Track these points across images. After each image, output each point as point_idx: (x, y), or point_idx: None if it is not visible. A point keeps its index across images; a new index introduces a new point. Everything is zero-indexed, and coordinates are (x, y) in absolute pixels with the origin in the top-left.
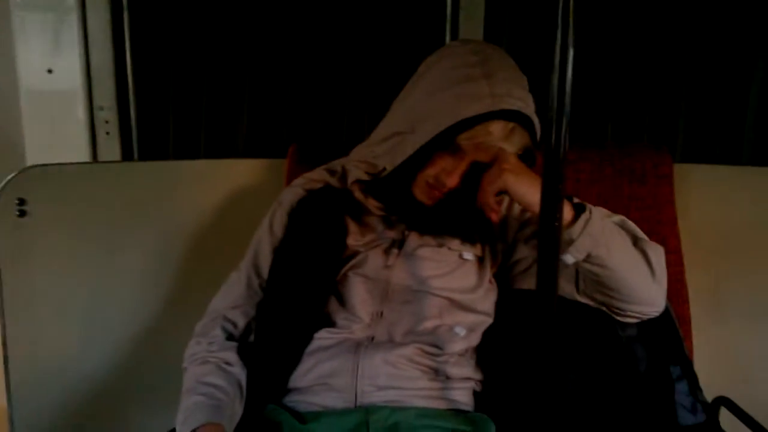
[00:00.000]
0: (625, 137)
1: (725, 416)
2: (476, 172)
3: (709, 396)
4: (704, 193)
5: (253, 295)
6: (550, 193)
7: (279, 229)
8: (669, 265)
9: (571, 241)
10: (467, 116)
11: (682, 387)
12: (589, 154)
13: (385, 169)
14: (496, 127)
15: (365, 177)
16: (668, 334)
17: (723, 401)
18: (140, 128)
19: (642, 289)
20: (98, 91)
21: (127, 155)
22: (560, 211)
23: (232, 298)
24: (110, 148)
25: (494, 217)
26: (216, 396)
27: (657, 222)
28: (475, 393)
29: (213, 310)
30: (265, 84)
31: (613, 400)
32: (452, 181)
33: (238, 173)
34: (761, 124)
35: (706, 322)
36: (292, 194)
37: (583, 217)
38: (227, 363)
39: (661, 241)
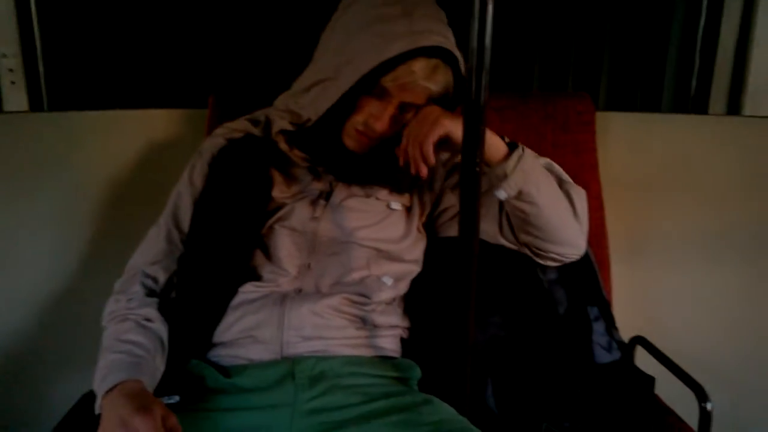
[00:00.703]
0: (550, 86)
1: (641, 354)
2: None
3: (626, 336)
4: (624, 139)
5: (174, 249)
6: (472, 138)
7: (199, 181)
8: (590, 210)
9: (504, 176)
10: (388, 57)
11: (599, 327)
12: (514, 102)
13: (310, 119)
14: (419, 66)
15: (290, 128)
16: (587, 277)
17: (639, 340)
18: (49, 77)
19: (565, 229)
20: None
21: (35, 105)
22: (481, 156)
23: (152, 253)
24: (17, 98)
25: (423, 171)
26: (135, 353)
27: (580, 168)
28: (402, 340)
29: (132, 266)
30: (183, 29)
31: (534, 341)
32: (382, 125)
33: (156, 124)
34: (680, 73)
35: (625, 265)
36: (212, 144)
37: (516, 153)
38: (147, 319)
39: (584, 187)
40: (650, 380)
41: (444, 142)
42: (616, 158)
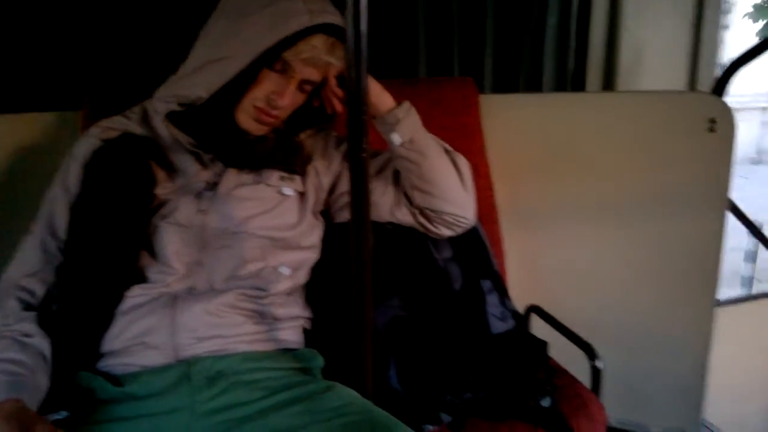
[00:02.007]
0: (436, 72)
1: (536, 323)
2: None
3: (521, 306)
4: (508, 120)
5: (51, 259)
6: (355, 124)
7: (74, 185)
8: (480, 189)
9: (397, 121)
10: (289, 33)
11: (493, 299)
12: (401, 89)
13: (201, 97)
14: (319, 41)
15: (178, 108)
16: (479, 253)
17: (533, 309)
18: None
19: (455, 189)
20: None
21: None
22: (367, 141)
23: (27, 265)
24: None
25: (338, 106)
26: (13, 371)
27: (468, 151)
28: (305, 331)
29: (6, 280)
30: (54, 29)
31: (432, 318)
32: (284, 101)
33: (27, 128)
34: (558, 55)
35: (516, 239)
36: (86, 145)
37: (406, 104)
38: (25, 335)
39: (473, 169)
40: (543, 344)
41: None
42: (503, 138)
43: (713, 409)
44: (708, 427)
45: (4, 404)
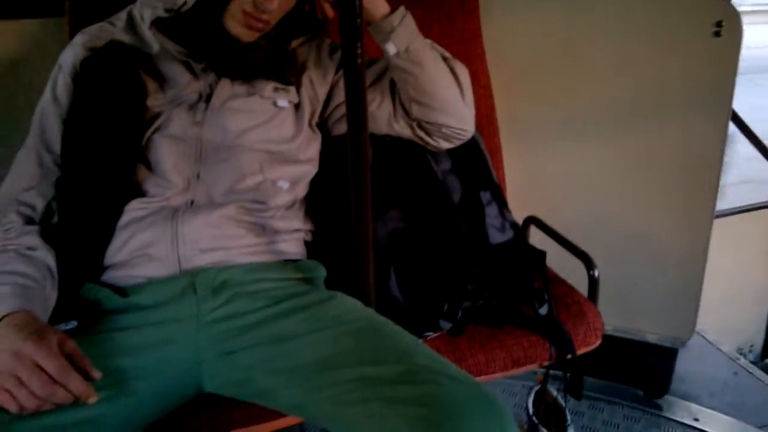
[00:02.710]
0: None
1: (535, 234)
2: None
3: (520, 217)
4: (509, 25)
5: (47, 173)
6: (348, 30)
7: (64, 97)
8: (479, 99)
9: (392, 29)
10: None
11: (492, 210)
12: None
13: (186, 2)
14: None
15: (164, 14)
16: (478, 164)
17: (532, 220)
18: None
19: (453, 100)
20: None
21: None
22: (362, 47)
23: (24, 179)
24: None
25: (329, 11)
26: (21, 283)
27: (467, 59)
28: (306, 243)
29: (4, 195)
30: None
31: (432, 230)
32: (272, 4)
33: (9, 37)
34: None
35: (516, 150)
36: (72, 55)
37: (400, 11)
38: (29, 248)
39: (472, 77)
40: (542, 254)
41: None
42: (503, 46)
43: (706, 317)
44: (701, 335)
45: (15, 315)
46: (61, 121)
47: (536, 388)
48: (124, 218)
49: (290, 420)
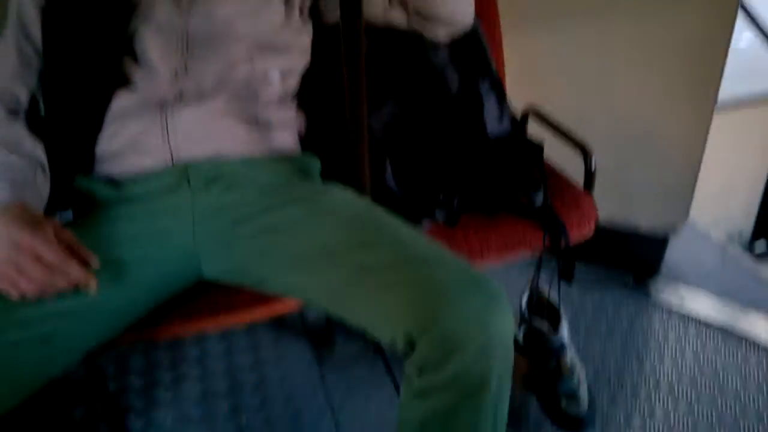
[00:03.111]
0: None
1: (534, 127)
2: None
3: (519, 111)
4: None
5: (29, 63)
6: None
7: None
8: None
9: None
10: None
11: (490, 101)
12: None
13: None
14: None
15: None
16: (477, 56)
17: (531, 111)
18: None
19: None
20: None
21: None
22: None
23: (5, 71)
24: None
25: None
26: (12, 176)
27: None
28: (300, 136)
29: None
30: None
31: (428, 121)
32: None
33: None
34: None
35: (516, 39)
36: None
37: None
38: (17, 140)
39: None
40: (539, 146)
41: None
42: None
43: (697, 206)
44: (691, 223)
45: (9, 207)
46: (39, 11)
47: (528, 281)
48: (113, 108)
49: (290, 304)
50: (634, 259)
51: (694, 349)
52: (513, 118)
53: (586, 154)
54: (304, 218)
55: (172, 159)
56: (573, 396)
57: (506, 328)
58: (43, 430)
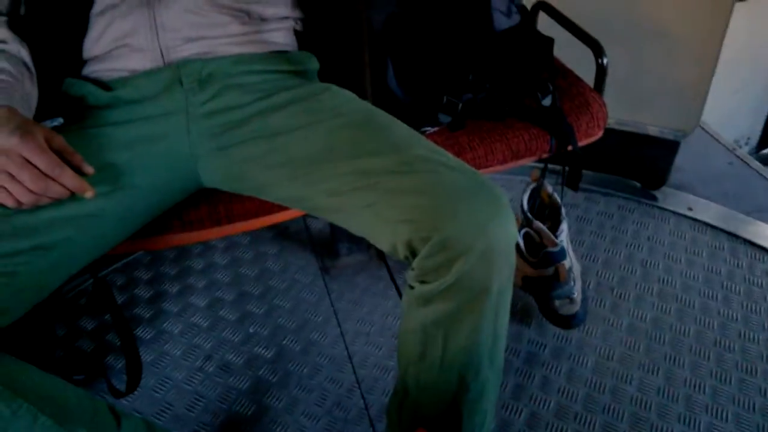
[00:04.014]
0: None
1: (543, 21)
2: None
3: (529, 2)
4: None
5: None
6: None
7: None
8: None
9: None
10: None
11: None
12: None
13: None
14: None
15: None
16: None
17: (541, 5)
18: None
19: None
20: None
21: None
22: None
23: None
24: None
25: None
26: None
27: None
28: (296, 33)
29: None
30: None
31: (432, 16)
32: None
33: None
34: None
35: None
36: None
37: None
38: (0, 41)
39: None
40: (549, 42)
41: None
42: None
43: (707, 110)
44: (701, 127)
45: None
46: None
47: (532, 185)
48: (97, 6)
49: (292, 213)
50: (642, 164)
51: (701, 256)
52: (522, 12)
53: (598, 52)
54: (303, 122)
55: (163, 58)
56: (567, 299)
57: (509, 234)
58: (51, 343)
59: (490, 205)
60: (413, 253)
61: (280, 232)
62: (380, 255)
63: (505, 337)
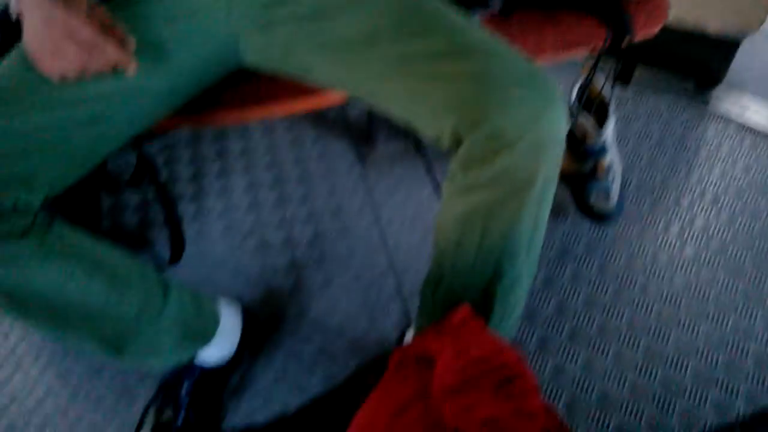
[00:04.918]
0: None
1: None
2: None
3: None
4: None
5: None
6: None
7: None
8: None
9: None
10: None
11: None
12: None
13: None
14: None
15: None
16: None
17: None
18: None
19: None
20: None
21: None
22: None
23: None
24: None
25: None
26: None
27: None
28: None
29: None
30: None
31: None
32: None
33: None
34: None
35: None
36: None
37: None
38: None
39: None
40: None
41: None
42: None
43: None
44: (764, 31)
45: None
46: None
47: (581, 78)
48: None
49: (334, 97)
50: (697, 64)
51: (747, 160)
52: None
53: None
54: (348, 1)
55: None
56: (603, 195)
57: (559, 127)
58: (97, 215)
59: (543, 96)
60: (458, 142)
61: (318, 117)
62: (417, 144)
63: (544, 229)
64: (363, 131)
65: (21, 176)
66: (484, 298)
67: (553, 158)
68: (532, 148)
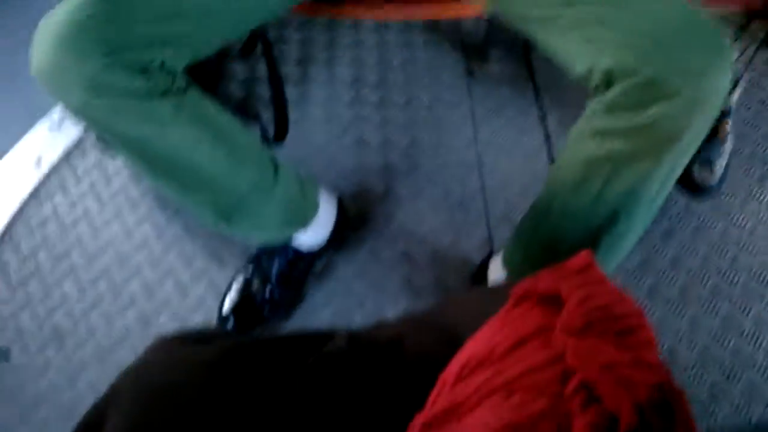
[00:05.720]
0: None
1: None
2: None
3: None
4: None
5: None
6: None
7: None
8: None
9: None
10: None
11: None
12: None
13: None
14: None
15: None
16: None
17: None
18: None
19: None
20: None
21: None
22: None
23: None
24: None
25: None
26: None
27: None
28: None
29: None
30: None
31: None
32: None
33: None
34: None
35: None
36: None
37: None
38: None
39: None
40: None
41: None
42: None
43: None
44: None
45: None
46: None
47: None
48: None
49: (473, 9)
50: None
51: None
52: None
53: None
54: None
55: None
56: (708, 165)
57: (722, 87)
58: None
59: (711, 52)
60: (609, 83)
61: (431, 24)
62: (530, 69)
63: (671, 188)
64: (476, 46)
65: (173, 37)
66: (589, 242)
67: (708, 118)
68: (689, 103)
